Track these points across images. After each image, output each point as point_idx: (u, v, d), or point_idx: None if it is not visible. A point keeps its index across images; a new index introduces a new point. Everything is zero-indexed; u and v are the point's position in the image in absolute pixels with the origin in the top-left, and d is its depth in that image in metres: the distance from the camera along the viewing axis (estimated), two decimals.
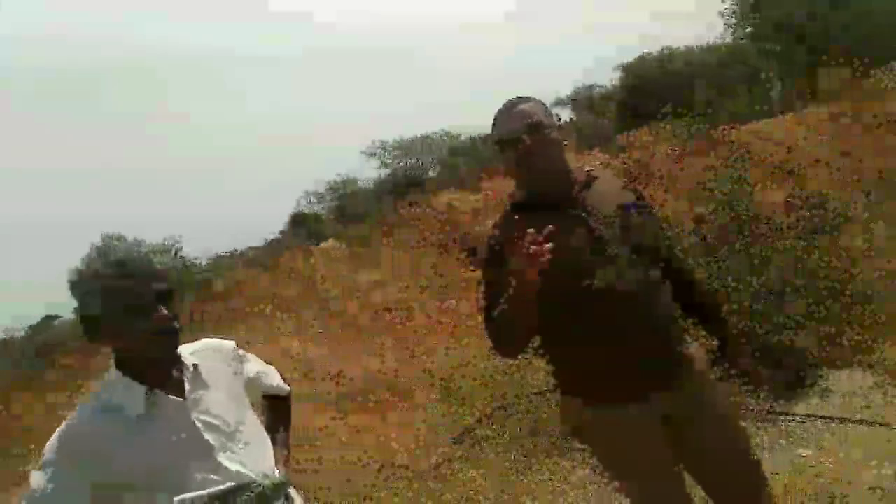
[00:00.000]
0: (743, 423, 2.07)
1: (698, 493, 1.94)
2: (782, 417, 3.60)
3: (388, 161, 18.24)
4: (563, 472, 3.63)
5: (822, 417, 3.52)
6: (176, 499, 1.36)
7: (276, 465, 1.57)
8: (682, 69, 14.38)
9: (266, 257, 13.28)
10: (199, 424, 1.43)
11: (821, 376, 3.91)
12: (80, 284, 1.40)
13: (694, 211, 4.92)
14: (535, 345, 2.15)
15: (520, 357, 3.80)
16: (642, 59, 15.70)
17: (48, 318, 14.73)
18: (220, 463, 1.43)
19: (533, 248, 1.54)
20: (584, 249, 1.76)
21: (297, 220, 17.61)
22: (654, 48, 15.93)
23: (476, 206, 10.49)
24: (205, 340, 1.63)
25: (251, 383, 1.68)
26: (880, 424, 3.30)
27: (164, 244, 12.85)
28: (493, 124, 1.88)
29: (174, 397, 1.43)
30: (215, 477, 1.41)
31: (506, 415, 4.33)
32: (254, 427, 1.58)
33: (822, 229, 4.42)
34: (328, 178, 18.63)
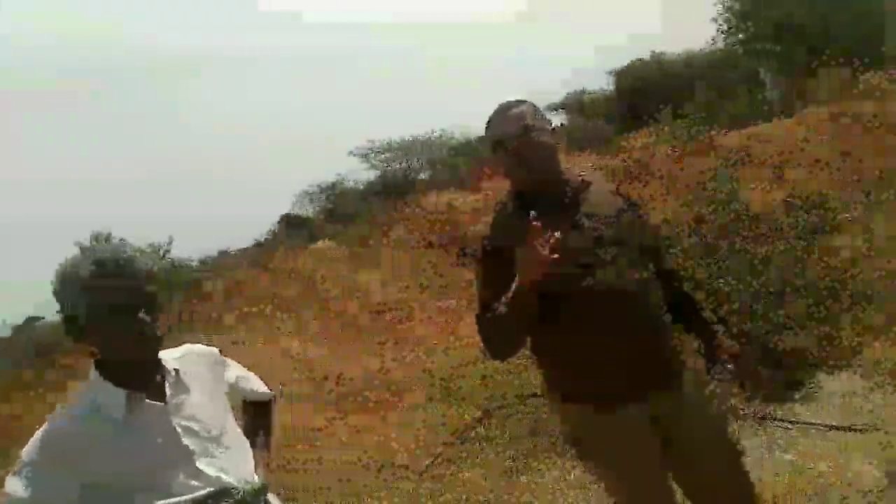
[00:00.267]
0: (732, 429, 2.07)
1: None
2: (779, 422, 3.59)
3: (376, 163, 18.19)
4: (563, 471, 3.63)
5: (817, 425, 3.49)
6: None
7: (255, 470, 1.56)
8: (682, 71, 14.44)
9: (257, 258, 13.25)
10: (179, 429, 1.42)
11: (821, 377, 3.91)
12: (65, 284, 1.38)
13: (694, 211, 4.92)
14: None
15: (520, 357, 3.80)
16: (640, 62, 15.75)
17: (32, 319, 14.65)
18: (199, 468, 1.42)
19: (545, 247, 1.55)
20: (579, 251, 1.77)
21: (289, 221, 17.60)
22: (645, 53, 16.05)
23: (476, 206, 10.49)
24: (187, 345, 1.62)
25: (233, 389, 1.67)
26: (876, 429, 3.29)
27: (151, 245, 12.79)
28: (487, 126, 1.90)
29: (155, 402, 1.42)
30: (195, 482, 1.40)
31: (506, 415, 4.33)
32: (234, 432, 1.57)
33: (822, 229, 4.42)
34: (324, 180, 18.60)
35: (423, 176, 17.51)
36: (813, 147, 7.13)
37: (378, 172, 18.10)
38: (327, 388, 6.04)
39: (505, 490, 3.59)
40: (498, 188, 10.03)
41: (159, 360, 1.48)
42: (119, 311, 1.37)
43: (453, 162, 16.33)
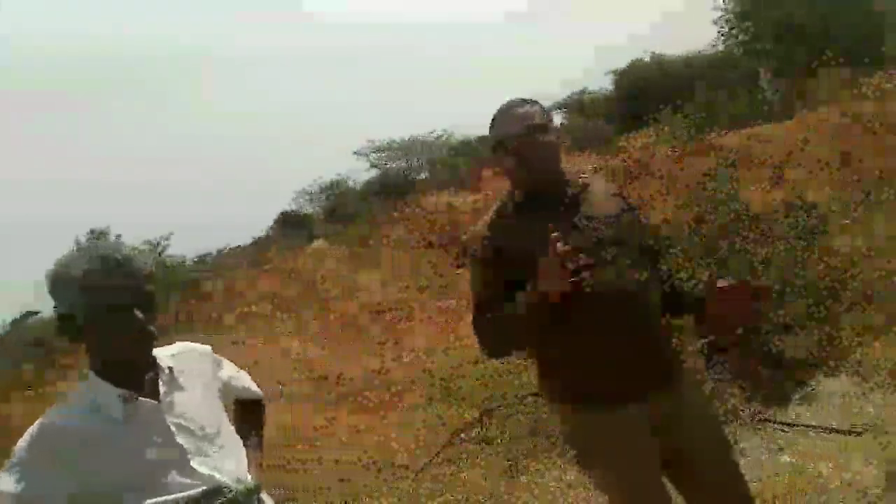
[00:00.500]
0: (730, 430, 2.07)
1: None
2: (779, 424, 3.59)
3: (376, 162, 18.19)
4: (562, 471, 3.63)
5: (817, 428, 3.48)
6: (147, 503, 1.34)
7: (248, 470, 1.55)
8: (682, 71, 14.46)
9: (255, 256, 13.23)
10: (172, 428, 1.41)
11: (820, 377, 3.91)
12: (61, 283, 1.37)
13: (694, 211, 4.92)
14: None
15: (520, 357, 3.81)
16: (640, 63, 15.77)
17: (29, 314, 14.61)
18: (193, 467, 1.41)
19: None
20: (580, 252, 1.76)
21: (287, 220, 17.59)
22: (645, 54, 16.05)
23: (476, 206, 10.49)
24: (181, 343, 1.61)
25: (226, 387, 1.66)
26: (877, 430, 3.29)
27: (148, 242, 12.76)
28: (492, 126, 1.89)
29: (148, 400, 1.41)
30: (188, 481, 1.39)
31: (505, 415, 4.33)
32: (228, 431, 1.56)
33: (821, 230, 4.42)
34: (324, 179, 18.60)
35: (423, 176, 17.53)
36: (813, 147, 7.13)
37: (378, 172, 18.14)
38: (327, 388, 6.04)
39: (505, 490, 3.59)
40: (498, 188, 10.04)
41: (153, 358, 1.47)
42: (118, 310, 1.36)
43: (453, 162, 16.35)
